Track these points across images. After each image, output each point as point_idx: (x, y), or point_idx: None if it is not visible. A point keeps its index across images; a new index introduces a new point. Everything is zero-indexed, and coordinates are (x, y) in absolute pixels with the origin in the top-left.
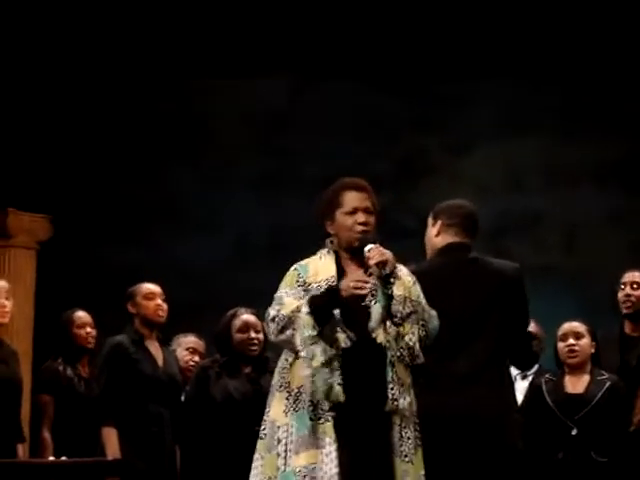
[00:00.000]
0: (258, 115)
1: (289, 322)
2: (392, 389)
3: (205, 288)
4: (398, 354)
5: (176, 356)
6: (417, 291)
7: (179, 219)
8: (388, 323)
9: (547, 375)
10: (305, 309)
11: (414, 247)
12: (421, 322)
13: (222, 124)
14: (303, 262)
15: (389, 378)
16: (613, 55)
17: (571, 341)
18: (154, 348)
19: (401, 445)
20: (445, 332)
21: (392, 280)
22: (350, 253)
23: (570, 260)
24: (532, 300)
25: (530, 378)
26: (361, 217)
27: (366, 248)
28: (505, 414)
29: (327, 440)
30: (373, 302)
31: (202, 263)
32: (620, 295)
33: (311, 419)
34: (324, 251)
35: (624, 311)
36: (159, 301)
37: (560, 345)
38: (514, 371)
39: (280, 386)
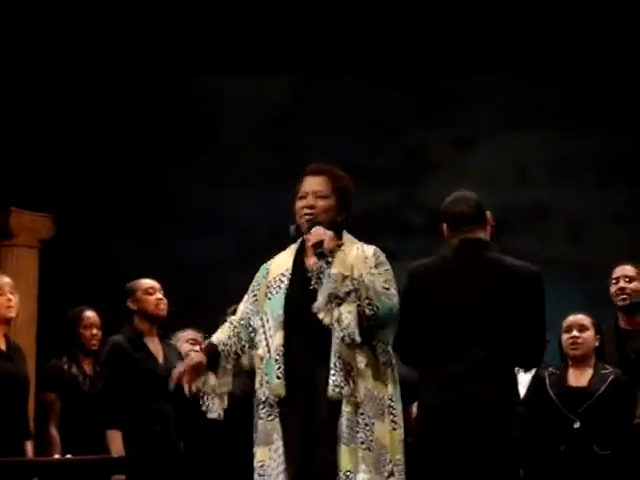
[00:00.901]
0: (260, 112)
1: None
2: (334, 375)
3: (207, 286)
4: (342, 334)
5: (177, 350)
6: (362, 270)
7: (181, 217)
8: (333, 304)
9: (550, 368)
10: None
11: (418, 242)
12: (366, 301)
13: (224, 122)
14: (271, 260)
15: (331, 364)
16: (617, 50)
17: (575, 333)
18: (154, 344)
19: (357, 432)
20: (449, 327)
21: (329, 260)
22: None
23: (574, 253)
24: None
25: (533, 371)
26: (308, 201)
27: (311, 231)
28: (506, 408)
29: (274, 436)
30: (319, 284)
31: (204, 261)
32: (613, 289)
33: (261, 417)
34: (293, 244)
35: (619, 304)
36: (159, 295)
37: (564, 337)
38: None
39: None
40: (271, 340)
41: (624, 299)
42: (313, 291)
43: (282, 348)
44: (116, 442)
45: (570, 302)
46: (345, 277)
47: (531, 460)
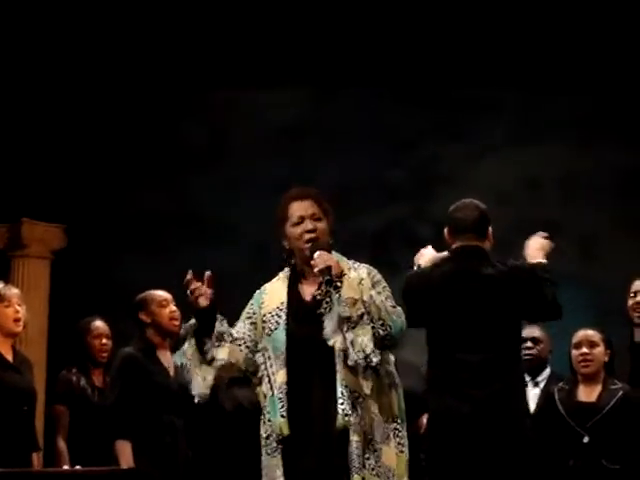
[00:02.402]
0: (275, 125)
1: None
2: (342, 404)
3: (220, 297)
4: (355, 358)
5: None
6: (370, 291)
7: (196, 228)
8: (345, 328)
9: (560, 384)
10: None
11: None
12: (379, 322)
13: (239, 134)
14: (263, 287)
15: (339, 393)
16: (632, 63)
17: (584, 350)
18: (166, 358)
19: (367, 459)
20: (452, 337)
21: (339, 284)
22: (308, 266)
23: (587, 268)
24: None
25: (542, 385)
26: (308, 225)
27: (315, 255)
28: (516, 416)
29: (277, 473)
30: (328, 309)
31: (217, 272)
32: (630, 303)
33: (267, 453)
34: (281, 273)
35: (635, 320)
36: (173, 307)
37: (574, 353)
38: (526, 377)
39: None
40: (273, 377)
41: None
42: (314, 322)
43: (285, 386)
44: (125, 453)
45: (582, 317)
46: (356, 301)
47: (541, 474)
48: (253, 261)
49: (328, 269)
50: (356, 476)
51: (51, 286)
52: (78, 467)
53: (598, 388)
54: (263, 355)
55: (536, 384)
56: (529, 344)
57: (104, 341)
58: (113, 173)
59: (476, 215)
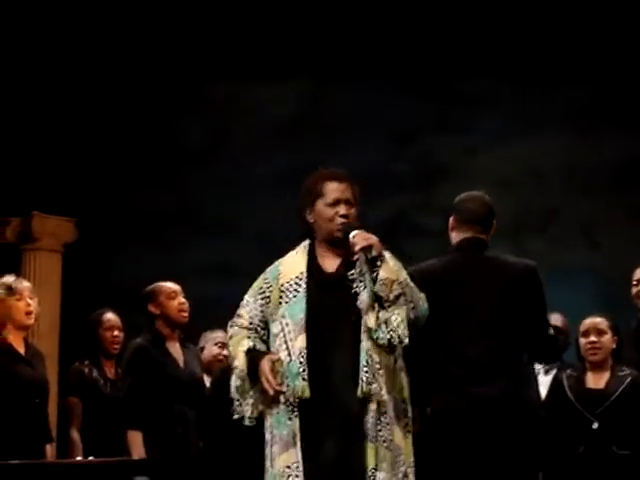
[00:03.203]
0: (276, 118)
1: (232, 361)
2: (366, 372)
3: (227, 290)
4: (388, 337)
5: (199, 355)
6: (405, 274)
7: (204, 221)
8: (377, 307)
9: (569, 370)
10: (242, 374)
11: (433, 247)
12: (411, 304)
13: (240, 127)
14: (278, 262)
15: (363, 362)
16: (632, 53)
17: (592, 338)
18: (175, 349)
19: (380, 430)
20: (457, 330)
21: (378, 264)
22: (328, 243)
23: (590, 257)
24: (553, 296)
25: (553, 372)
26: (342, 209)
27: (351, 234)
28: (522, 410)
29: (298, 436)
30: (362, 287)
31: (225, 265)
32: (634, 291)
33: (290, 419)
34: (301, 245)
35: None
36: (182, 299)
37: (582, 341)
38: (537, 366)
39: None
40: (291, 344)
41: None
42: (336, 292)
43: (305, 350)
44: (137, 443)
45: (586, 305)
46: (393, 281)
47: (550, 461)
48: (256, 251)
49: (369, 247)
50: (371, 444)
51: (62, 279)
52: (91, 458)
53: (606, 375)
54: (280, 323)
55: (547, 372)
56: (551, 332)
57: (116, 333)
58: (122, 167)
59: (486, 209)
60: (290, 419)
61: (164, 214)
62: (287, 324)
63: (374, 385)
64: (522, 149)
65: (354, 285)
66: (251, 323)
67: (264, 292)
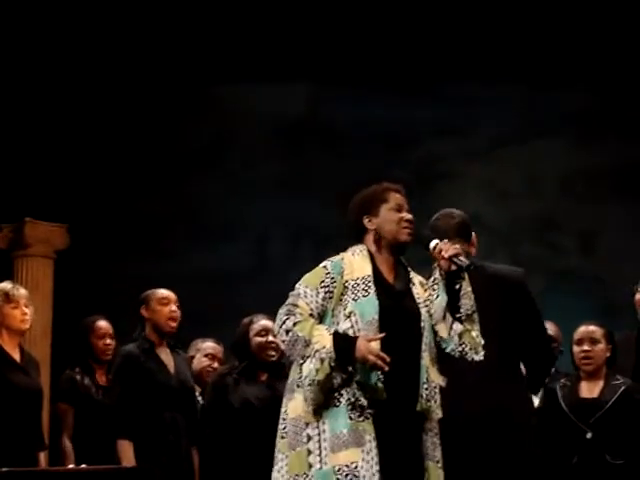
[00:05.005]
0: (276, 122)
1: (304, 345)
2: (426, 389)
3: (225, 296)
4: (460, 349)
5: (189, 361)
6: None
7: (197, 227)
8: (450, 318)
9: (562, 380)
10: (329, 354)
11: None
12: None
13: (241, 131)
14: (336, 257)
15: (423, 378)
16: (631, 60)
17: (586, 347)
18: (165, 355)
19: (434, 450)
20: None
21: (462, 275)
22: (390, 249)
23: (588, 264)
24: (549, 303)
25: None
26: (408, 215)
27: (431, 244)
28: (516, 417)
29: (367, 438)
30: (435, 296)
31: (222, 271)
32: (638, 297)
33: (350, 418)
34: (357, 248)
35: None
36: (173, 307)
37: (575, 349)
38: None
39: (299, 385)
40: None
41: None
42: (403, 302)
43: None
44: (127, 453)
45: (583, 312)
46: (472, 296)
47: (544, 471)
48: (256, 257)
49: (457, 255)
50: (430, 463)
51: (54, 286)
52: (84, 466)
53: (600, 384)
54: (351, 320)
55: None
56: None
57: (108, 341)
58: (116, 173)
59: (457, 221)
60: (360, 417)
61: (157, 220)
62: (357, 321)
63: (432, 402)
64: (521, 154)
65: (416, 296)
66: (311, 315)
67: (327, 286)
